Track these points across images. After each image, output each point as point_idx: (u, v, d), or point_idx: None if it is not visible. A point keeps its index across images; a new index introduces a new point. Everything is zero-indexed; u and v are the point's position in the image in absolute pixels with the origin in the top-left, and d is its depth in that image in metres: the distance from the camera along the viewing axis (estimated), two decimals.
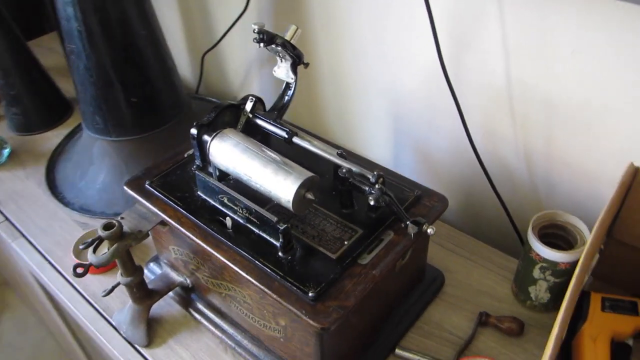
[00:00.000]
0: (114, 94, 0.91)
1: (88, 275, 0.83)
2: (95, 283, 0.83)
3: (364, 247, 0.61)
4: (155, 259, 0.83)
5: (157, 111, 0.97)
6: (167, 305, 0.79)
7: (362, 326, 0.66)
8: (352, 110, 1.01)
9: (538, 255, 0.69)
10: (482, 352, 0.71)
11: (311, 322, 0.54)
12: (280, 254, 0.60)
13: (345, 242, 0.61)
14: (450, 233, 0.87)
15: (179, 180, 0.71)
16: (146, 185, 0.71)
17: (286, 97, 0.74)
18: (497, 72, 0.76)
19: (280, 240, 0.59)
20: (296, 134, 0.70)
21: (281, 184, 0.59)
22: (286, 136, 0.70)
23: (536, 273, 0.71)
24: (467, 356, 0.70)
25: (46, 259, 0.88)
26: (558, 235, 0.72)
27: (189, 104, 1.05)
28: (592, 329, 0.66)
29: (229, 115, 0.72)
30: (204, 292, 0.75)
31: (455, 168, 0.90)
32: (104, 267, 0.84)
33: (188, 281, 0.76)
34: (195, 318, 0.76)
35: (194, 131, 0.68)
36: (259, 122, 0.73)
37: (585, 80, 0.69)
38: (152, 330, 0.75)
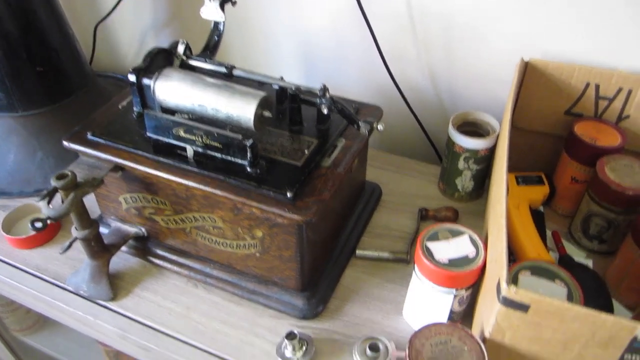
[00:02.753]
0: (18, 64, 0.86)
1: (26, 251, 0.80)
2: (35, 257, 0.79)
3: (323, 152, 0.66)
4: (99, 221, 0.81)
5: (64, 80, 0.93)
6: (122, 261, 0.78)
7: (325, 231, 0.71)
8: (261, 53, 1.05)
9: (461, 147, 0.79)
10: None
11: (295, 216, 0.58)
12: (249, 169, 0.63)
13: (306, 151, 0.66)
14: (376, 154, 0.96)
15: (122, 128, 0.71)
16: (89, 137, 0.70)
17: (216, 37, 0.76)
18: (399, 0, 0.85)
19: (249, 155, 0.62)
20: (234, 67, 0.73)
21: (239, 106, 0.62)
22: (226, 70, 0.73)
23: (461, 164, 0.81)
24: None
25: None
26: (471, 131, 0.83)
27: (93, 73, 1.02)
28: (514, 200, 0.78)
29: (162, 60, 0.73)
30: (161, 237, 0.76)
31: (367, 95, 0.99)
32: (40, 239, 0.81)
33: (143, 230, 0.76)
34: (156, 264, 0.77)
35: (132, 77, 0.68)
36: (194, 63, 0.74)
37: None
38: (114, 286, 0.74)
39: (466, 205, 0.86)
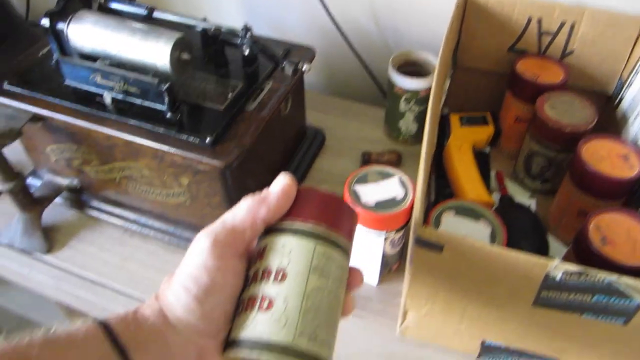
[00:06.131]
0: None
1: None
2: None
3: (247, 96, 0.64)
4: (33, 174, 0.78)
5: None
6: (59, 214, 0.76)
7: (260, 176, 0.70)
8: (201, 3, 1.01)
9: (401, 88, 0.77)
10: None
11: (215, 162, 0.57)
12: (168, 115, 0.61)
13: (230, 95, 0.64)
14: (321, 99, 0.93)
15: (41, 76, 0.68)
16: (5, 86, 0.66)
17: None
18: None
19: (166, 100, 0.60)
20: (155, 9, 0.69)
21: (154, 49, 0.59)
22: (145, 12, 0.69)
23: (402, 106, 0.79)
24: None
25: None
26: (414, 71, 0.81)
27: (22, 21, 0.97)
28: (456, 141, 0.77)
29: (79, 4, 0.69)
30: (94, 188, 0.74)
31: (312, 39, 0.95)
32: None
33: (75, 182, 0.74)
34: (92, 216, 0.75)
35: (45, 21, 0.64)
36: (114, 5, 0.70)
37: None
38: (50, 238, 0.73)
39: (411, 148, 0.84)
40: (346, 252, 0.40)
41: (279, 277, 0.36)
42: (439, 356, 0.61)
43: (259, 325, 0.35)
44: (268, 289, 0.36)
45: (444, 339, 0.61)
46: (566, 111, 0.69)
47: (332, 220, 0.39)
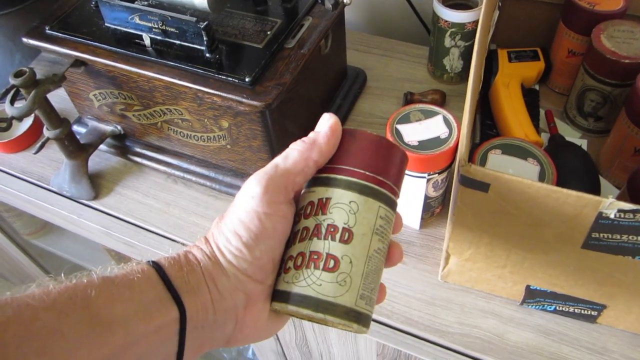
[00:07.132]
0: None
1: (11, 155, 0.80)
2: (20, 160, 0.80)
3: (287, 33, 0.62)
4: (78, 121, 0.80)
5: None
6: (104, 160, 0.78)
7: (301, 120, 0.69)
8: None
9: (446, 21, 0.73)
10: None
11: (254, 102, 0.56)
12: (207, 55, 0.60)
13: (268, 33, 0.62)
14: (362, 37, 0.90)
15: (81, 19, 0.67)
16: (47, 31, 0.66)
17: None
18: None
19: (205, 39, 0.59)
20: None
21: None
22: None
23: (447, 42, 0.75)
24: None
25: None
26: (460, 4, 0.76)
27: None
28: (504, 78, 0.73)
29: None
30: (137, 134, 0.74)
31: None
32: (24, 143, 0.80)
33: (119, 128, 0.75)
34: (136, 162, 0.76)
35: None
36: None
37: None
38: (96, 185, 0.75)
39: (456, 87, 0.81)
40: (396, 208, 0.40)
41: (345, 237, 0.36)
42: (481, 302, 0.60)
43: (323, 285, 0.35)
44: (333, 247, 0.35)
45: (487, 284, 0.59)
46: (625, 42, 0.64)
47: (396, 178, 0.39)
